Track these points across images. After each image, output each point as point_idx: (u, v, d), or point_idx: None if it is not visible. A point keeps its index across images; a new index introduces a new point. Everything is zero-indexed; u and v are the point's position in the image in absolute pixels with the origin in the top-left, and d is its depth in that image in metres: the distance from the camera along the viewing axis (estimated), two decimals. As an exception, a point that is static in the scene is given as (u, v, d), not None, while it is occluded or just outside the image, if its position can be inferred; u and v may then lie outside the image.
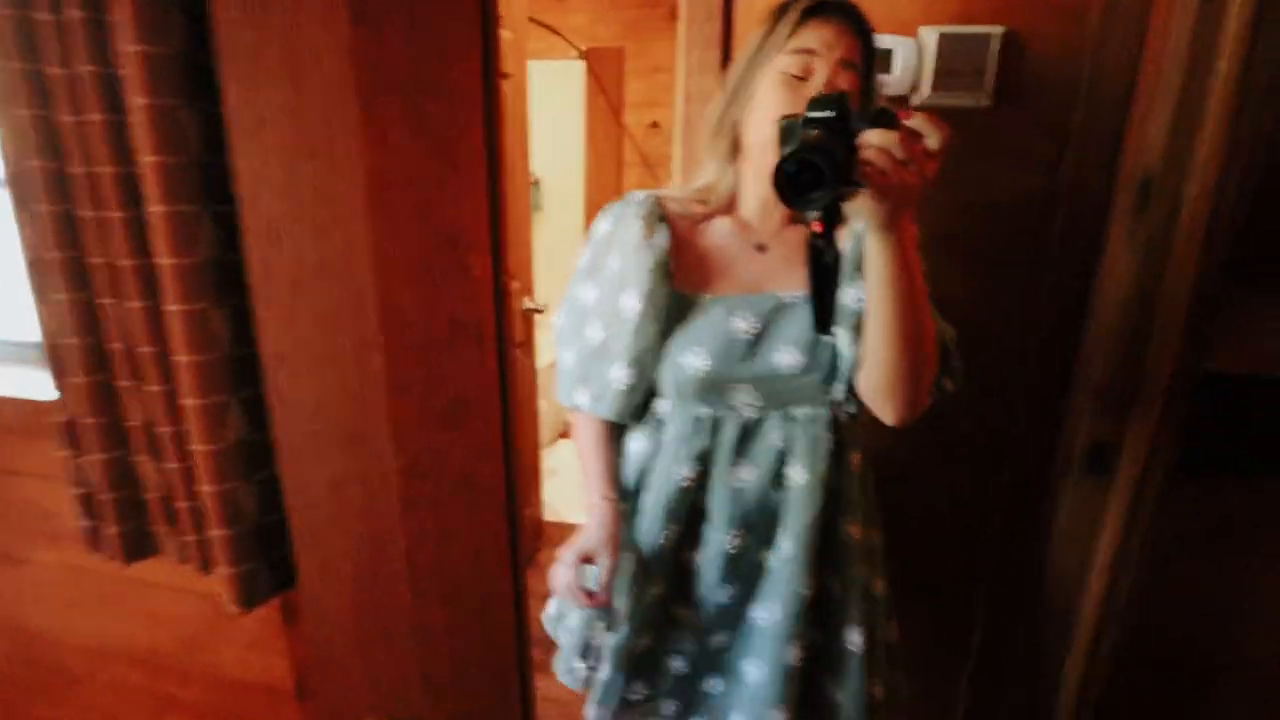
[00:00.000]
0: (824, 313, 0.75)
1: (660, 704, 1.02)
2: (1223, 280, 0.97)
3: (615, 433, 0.99)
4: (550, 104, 3.63)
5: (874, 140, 0.64)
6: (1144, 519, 1.07)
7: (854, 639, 0.93)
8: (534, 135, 3.74)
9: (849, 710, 0.94)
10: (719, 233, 0.93)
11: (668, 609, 0.97)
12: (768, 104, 0.83)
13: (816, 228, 0.70)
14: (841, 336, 0.85)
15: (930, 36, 1.08)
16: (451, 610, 0.41)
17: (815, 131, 0.65)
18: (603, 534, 0.92)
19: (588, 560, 0.91)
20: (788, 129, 0.70)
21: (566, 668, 1.04)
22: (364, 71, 0.33)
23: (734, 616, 0.96)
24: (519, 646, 0.47)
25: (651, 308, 0.88)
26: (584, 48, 3.45)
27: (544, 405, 3.24)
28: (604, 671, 0.97)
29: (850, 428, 0.92)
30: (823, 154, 0.64)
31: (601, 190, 3.63)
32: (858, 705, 0.93)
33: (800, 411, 0.89)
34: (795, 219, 0.92)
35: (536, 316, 2.35)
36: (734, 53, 1.32)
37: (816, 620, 0.95)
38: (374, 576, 0.44)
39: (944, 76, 1.09)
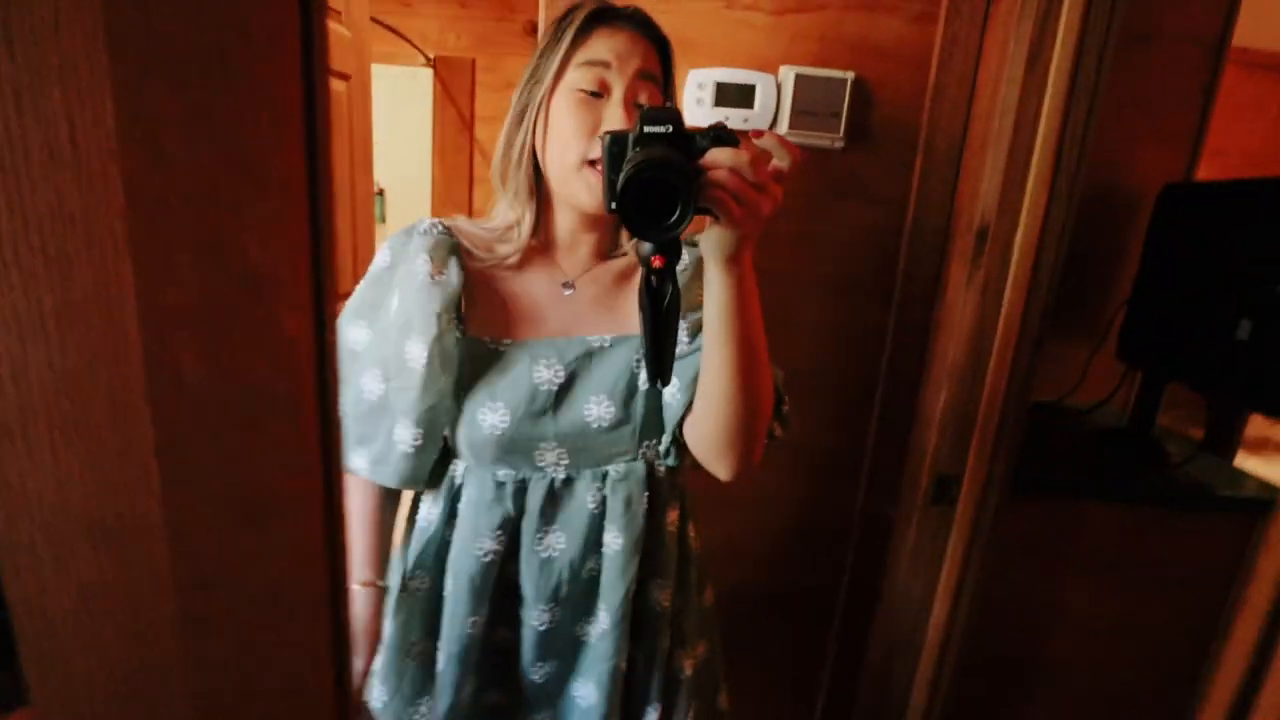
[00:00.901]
0: (663, 361, 0.64)
1: None
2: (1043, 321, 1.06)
3: (392, 502, 0.85)
4: (396, 112, 3.42)
5: (724, 160, 0.56)
6: (981, 543, 1.15)
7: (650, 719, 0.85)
8: (379, 144, 3.50)
9: None
10: (523, 271, 0.81)
11: (481, 699, 0.84)
12: (563, 125, 0.72)
13: (657, 263, 0.59)
14: (674, 384, 0.76)
15: (789, 76, 1.10)
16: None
17: (657, 149, 0.56)
18: (356, 626, 0.77)
19: None
20: (615, 147, 0.60)
21: None
22: (124, 45, 0.24)
23: (553, 694, 0.85)
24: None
25: (440, 357, 0.74)
26: (432, 55, 3.28)
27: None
28: None
29: (667, 483, 0.82)
30: (676, 172, 0.54)
31: (450, 204, 3.46)
32: None
33: (613, 469, 0.78)
34: (603, 254, 0.83)
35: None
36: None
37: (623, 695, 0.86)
38: (145, 716, 0.33)
39: (801, 116, 1.11)
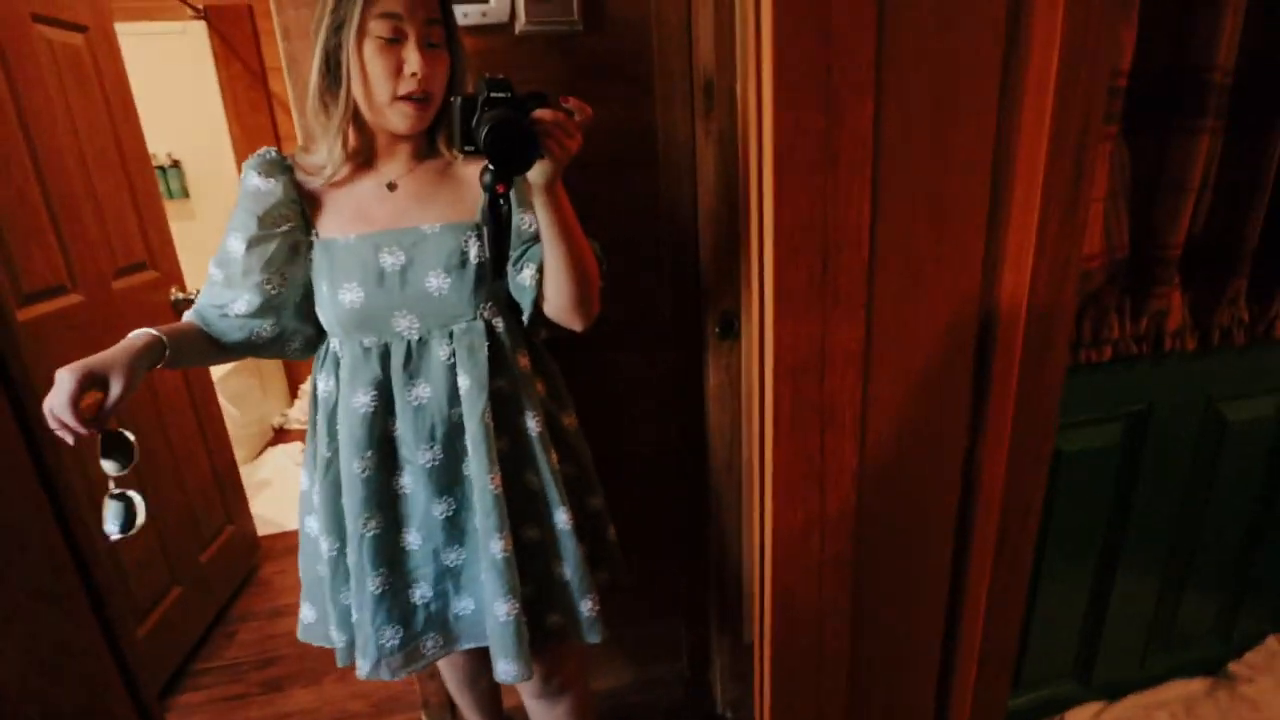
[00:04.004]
0: (502, 257, 0.88)
1: (421, 642, 1.04)
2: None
3: (220, 346, 1.02)
4: (172, 74, 3.12)
5: (548, 117, 0.78)
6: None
7: (561, 518, 1.03)
8: (165, 113, 3.20)
9: (575, 580, 1.05)
10: (354, 182, 0.99)
11: (394, 541, 1.02)
12: (374, 68, 0.88)
13: (501, 189, 0.81)
14: (527, 274, 0.96)
15: (516, -36, 1.14)
16: None
17: (503, 110, 0.76)
18: (119, 354, 0.84)
19: (94, 380, 0.81)
20: (466, 106, 0.78)
21: (342, 656, 1.07)
22: None
23: (458, 530, 1.02)
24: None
25: (257, 252, 0.94)
26: (201, 5, 3.02)
27: (237, 415, 2.89)
28: (356, 624, 1.01)
29: (510, 333, 1.01)
30: (528, 128, 0.76)
31: (261, 168, 3.25)
32: (581, 573, 1.05)
33: (457, 327, 0.98)
34: (419, 158, 1.01)
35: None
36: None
37: (529, 514, 1.05)
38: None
39: (535, 5, 1.17)
